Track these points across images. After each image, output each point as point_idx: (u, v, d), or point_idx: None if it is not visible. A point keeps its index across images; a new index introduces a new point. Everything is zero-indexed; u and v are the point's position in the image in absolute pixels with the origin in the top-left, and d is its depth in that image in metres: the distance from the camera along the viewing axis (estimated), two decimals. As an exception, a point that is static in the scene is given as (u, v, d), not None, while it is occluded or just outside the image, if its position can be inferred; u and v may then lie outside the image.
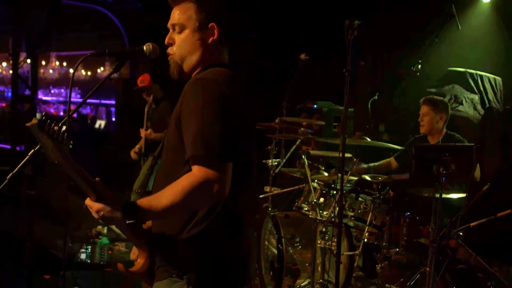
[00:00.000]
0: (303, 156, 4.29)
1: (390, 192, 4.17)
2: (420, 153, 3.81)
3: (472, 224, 4.11)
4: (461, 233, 4.07)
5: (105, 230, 6.67)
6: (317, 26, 7.35)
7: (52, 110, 15.58)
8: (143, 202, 1.86)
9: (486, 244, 4.32)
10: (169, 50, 2.15)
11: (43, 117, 1.72)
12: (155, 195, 1.89)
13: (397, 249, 4.16)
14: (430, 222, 3.94)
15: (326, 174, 4.70)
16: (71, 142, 1.79)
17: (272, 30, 7.67)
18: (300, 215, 4.47)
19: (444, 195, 3.76)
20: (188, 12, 2.10)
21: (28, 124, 1.68)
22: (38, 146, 2.38)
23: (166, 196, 1.84)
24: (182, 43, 2.12)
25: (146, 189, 6.30)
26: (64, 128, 1.76)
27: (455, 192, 3.99)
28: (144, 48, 2.20)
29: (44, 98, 15.98)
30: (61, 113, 15.19)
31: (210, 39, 2.10)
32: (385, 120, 7.22)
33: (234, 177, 1.89)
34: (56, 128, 1.74)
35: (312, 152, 4.59)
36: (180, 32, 2.12)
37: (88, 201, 1.91)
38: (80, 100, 1.79)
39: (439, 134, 4.61)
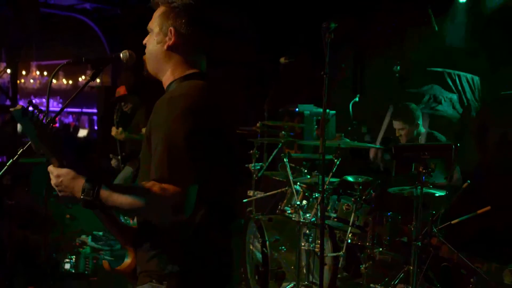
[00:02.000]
0: (284, 159, 4.32)
1: (372, 192, 4.21)
2: (399, 153, 3.86)
3: (453, 221, 4.16)
4: (442, 231, 4.13)
5: (89, 240, 6.63)
6: (298, 28, 7.39)
7: (33, 120, 15.43)
8: (105, 189, 1.83)
9: (468, 241, 4.37)
10: (145, 50, 2.20)
11: (28, 104, 1.75)
12: (121, 187, 1.90)
13: (381, 249, 4.20)
14: (412, 221, 3.99)
15: (308, 176, 4.73)
16: (52, 125, 1.82)
17: (271, 29, 7.68)
18: (284, 218, 4.49)
19: (425, 193, 3.82)
20: (157, 15, 2.14)
21: (12, 109, 1.71)
22: (17, 156, 2.39)
23: (130, 194, 1.84)
24: (148, 45, 2.17)
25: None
26: (49, 119, 1.79)
27: (435, 190, 4.04)
28: (121, 55, 2.21)
29: (25, 108, 15.82)
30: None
31: (166, 44, 2.11)
32: (367, 121, 7.27)
33: (208, 193, 1.91)
34: (41, 116, 1.76)
35: (293, 154, 4.61)
36: (149, 35, 2.16)
37: (51, 167, 1.88)
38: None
39: (417, 138, 4.67)
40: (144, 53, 2.21)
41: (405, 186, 4.09)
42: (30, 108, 1.74)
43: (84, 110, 13.68)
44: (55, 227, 6.68)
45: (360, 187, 4.17)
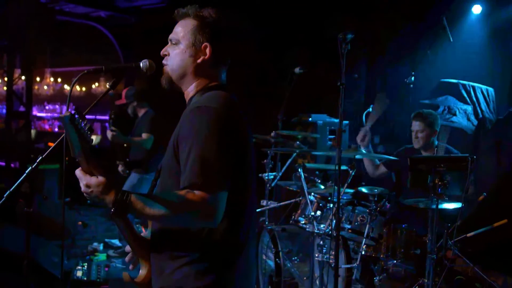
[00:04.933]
0: (299, 169, 4.30)
1: (387, 204, 4.18)
2: (415, 165, 3.83)
3: (468, 234, 4.13)
4: (458, 244, 4.09)
5: (100, 247, 6.65)
6: (312, 39, 7.40)
7: (46, 126, 15.51)
8: (137, 199, 1.84)
9: (484, 254, 4.32)
10: (164, 61, 2.21)
11: (75, 111, 1.78)
12: (151, 197, 1.89)
13: (395, 261, 4.16)
14: (427, 233, 3.96)
15: (322, 187, 4.71)
16: (91, 141, 1.84)
17: (273, 28, 7.70)
18: (297, 228, 4.47)
19: (440, 206, 3.80)
20: (187, 28, 2.16)
21: (61, 115, 1.75)
22: (36, 163, 2.41)
23: (163, 204, 1.85)
24: (174, 57, 2.17)
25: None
26: (89, 126, 1.81)
27: (451, 203, 4.01)
28: (141, 64, 2.23)
29: (39, 114, 15.91)
30: (56, 129, 15.11)
31: (201, 58, 2.14)
32: (380, 132, 7.25)
33: (233, 201, 1.95)
34: (84, 124, 1.79)
35: (308, 165, 4.59)
36: (175, 46, 2.17)
37: (80, 173, 1.88)
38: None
39: (432, 147, 4.63)
40: (161, 63, 2.23)
41: (421, 198, 4.06)
42: (76, 116, 1.78)
43: (97, 117, 13.72)
44: (68, 234, 6.71)
45: (375, 198, 4.14)
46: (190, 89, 2.19)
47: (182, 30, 2.16)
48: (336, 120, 7.47)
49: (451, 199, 4.00)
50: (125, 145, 6.58)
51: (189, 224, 1.98)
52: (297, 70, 5.11)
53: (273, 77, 6.61)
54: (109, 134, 5.90)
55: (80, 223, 7.58)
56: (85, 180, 1.86)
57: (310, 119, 7.31)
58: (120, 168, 6.26)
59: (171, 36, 2.19)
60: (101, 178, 1.85)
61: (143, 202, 1.85)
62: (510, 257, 4.40)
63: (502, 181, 5.11)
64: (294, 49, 7.34)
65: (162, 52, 2.21)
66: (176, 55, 2.16)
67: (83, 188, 1.87)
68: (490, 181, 5.03)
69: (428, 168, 3.78)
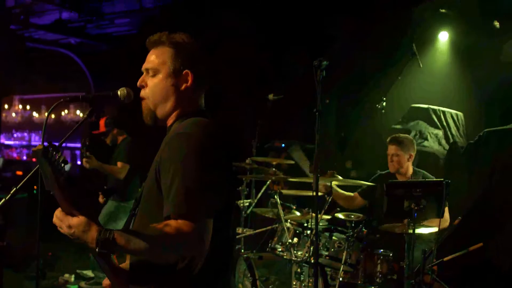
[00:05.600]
0: (275, 196, 4.28)
1: (364, 229, 4.18)
2: (391, 190, 3.85)
3: (445, 258, 4.16)
4: (435, 268, 4.11)
5: (72, 278, 6.47)
6: (285, 65, 7.47)
7: (14, 155, 15.22)
8: (120, 235, 1.79)
9: (460, 278, 4.35)
10: (142, 93, 2.13)
11: (48, 145, 1.72)
12: (134, 232, 1.84)
13: (373, 287, 4.15)
14: (404, 258, 3.97)
15: (298, 213, 4.69)
16: (66, 173, 1.79)
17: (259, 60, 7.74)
18: (274, 256, 4.42)
19: (416, 231, 3.82)
20: (164, 56, 2.09)
21: (34, 149, 1.71)
22: (9, 195, 2.33)
23: (147, 237, 1.80)
24: (154, 88, 2.10)
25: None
26: (62, 159, 1.76)
27: (427, 227, 4.04)
28: (119, 93, 2.15)
29: (7, 142, 15.62)
30: (24, 157, 14.84)
31: (184, 86, 2.09)
32: (352, 157, 7.30)
33: (216, 227, 1.88)
34: (57, 157, 1.73)
35: (284, 191, 4.58)
36: (153, 76, 2.10)
37: (60, 214, 1.82)
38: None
39: (407, 172, 4.67)
40: (137, 92, 2.17)
41: (397, 223, 4.08)
42: (50, 149, 1.73)
43: (67, 145, 13.54)
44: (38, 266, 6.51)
45: (352, 224, 4.14)
46: (171, 117, 2.13)
47: (158, 59, 2.10)
48: (310, 146, 7.57)
49: (427, 224, 4.03)
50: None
51: (176, 255, 1.90)
52: (271, 96, 5.13)
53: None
54: (84, 161, 5.80)
55: (50, 254, 7.38)
56: (67, 221, 1.80)
57: (283, 145, 7.33)
58: (101, 198, 6.15)
59: (146, 65, 2.12)
60: (81, 218, 1.80)
61: (127, 238, 1.79)
62: (485, 280, 4.44)
63: (475, 204, 5.18)
64: (266, 75, 7.40)
65: (139, 83, 2.14)
66: (156, 85, 2.10)
67: (65, 229, 1.81)
68: (463, 204, 5.09)
69: (404, 193, 3.82)
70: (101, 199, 6.12)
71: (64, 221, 1.80)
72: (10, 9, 8.84)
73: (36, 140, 15.71)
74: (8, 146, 15.59)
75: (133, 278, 2.06)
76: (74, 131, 2.22)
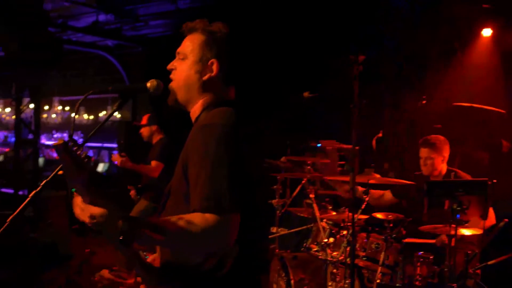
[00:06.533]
0: (311, 196, 4.18)
1: (403, 230, 4.04)
2: (432, 189, 3.70)
3: (490, 262, 3.97)
4: (478, 272, 3.93)
5: (108, 275, 6.50)
6: (321, 63, 7.35)
7: (55, 155, 15.53)
8: (145, 226, 1.74)
9: (505, 282, 4.16)
10: (171, 75, 2.12)
11: (68, 139, 1.70)
12: (159, 222, 1.78)
13: (412, 290, 4.00)
14: (445, 261, 3.81)
15: (334, 213, 4.58)
16: (89, 160, 1.73)
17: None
18: (310, 256, 4.32)
19: (458, 232, 3.66)
20: (195, 42, 2.07)
21: (54, 144, 1.67)
22: (39, 187, 2.31)
23: (172, 228, 1.75)
24: (180, 72, 2.09)
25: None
26: (85, 154, 1.71)
27: (470, 229, 3.86)
28: (148, 84, 2.13)
29: (47, 142, 15.97)
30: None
31: (208, 75, 2.06)
32: (390, 158, 7.12)
33: (244, 222, 1.83)
34: (79, 152, 1.69)
35: (320, 191, 4.47)
36: (182, 60, 2.09)
37: (82, 203, 1.76)
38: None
39: (442, 173, 4.49)
40: (168, 83, 2.14)
41: (438, 224, 3.91)
42: (70, 143, 1.69)
43: (105, 145, 13.73)
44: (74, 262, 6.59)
45: (390, 224, 4.00)
46: (196, 107, 2.09)
47: (190, 45, 2.08)
48: (346, 146, 7.43)
49: (470, 225, 3.86)
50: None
51: (201, 248, 1.85)
52: (306, 94, 5.02)
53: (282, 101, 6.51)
54: (117, 159, 5.83)
55: (87, 250, 7.46)
56: (88, 211, 1.75)
57: (318, 144, 7.20)
58: (133, 194, 6.18)
59: (178, 49, 2.11)
60: (103, 209, 1.74)
61: (152, 228, 1.74)
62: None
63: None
64: (303, 71, 7.29)
65: (169, 66, 2.12)
66: (182, 70, 2.08)
67: (86, 219, 1.75)
68: (508, 205, 4.86)
69: (445, 193, 3.67)
70: (133, 195, 6.15)
71: (86, 210, 1.75)
72: (48, 13, 8.98)
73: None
74: (49, 146, 15.92)
75: (163, 276, 2.02)
76: (103, 124, 2.18)
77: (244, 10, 7.93)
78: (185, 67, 2.07)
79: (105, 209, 1.73)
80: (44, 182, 2.35)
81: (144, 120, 6.28)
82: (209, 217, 1.75)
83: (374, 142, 7.18)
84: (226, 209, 1.76)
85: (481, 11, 6.59)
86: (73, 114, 15.45)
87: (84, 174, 1.73)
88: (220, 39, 2.07)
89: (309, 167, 4.59)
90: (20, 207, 2.21)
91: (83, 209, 1.75)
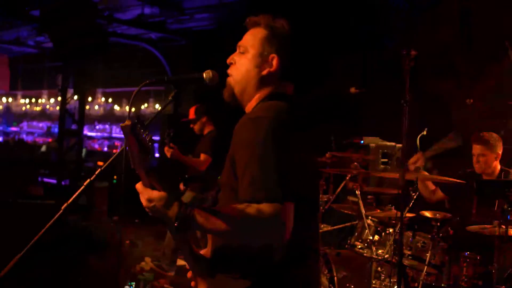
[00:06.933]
0: (357, 192, 4.14)
1: (450, 229, 3.96)
2: (482, 188, 3.61)
3: (539, 265, 3.86)
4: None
5: (148, 267, 6.59)
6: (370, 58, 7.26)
7: (96, 146, 15.84)
8: (199, 213, 1.76)
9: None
10: (229, 70, 2.12)
11: (136, 120, 1.71)
12: (214, 211, 1.79)
13: (457, 291, 3.93)
14: (493, 262, 3.72)
15: (379, 210, 4.52)
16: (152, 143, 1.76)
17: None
18: (353, 253, 4.28)
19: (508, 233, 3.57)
20: (257, 37, 2.08)
21: (122, 124, 1.68)
22: (94, 176, 2.34)
23: (226, 218, 1.75)
24: (239, 66, 2.09)
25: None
26: (150, 137, 1.74)
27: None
28: (204, 75, 2.13)
29: (89, 133, 16.28)
30: (105, 149, 15.40)
31: (267, 70, 2.06)
32: (435, 156, 6.98)
33: (297, 213, 1.82)
34: (145, 135, 1.72)
35: (366, 188, 4.43)
36: (242, 54, 2.09)
37: (140, 187, 1.79)
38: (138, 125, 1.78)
39: (495, 172, 4.37)
40: (225, 77, 2.14)
41: (486, 225, 3.82)
42: (138, 125, 1.71)
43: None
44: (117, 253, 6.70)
45: (438, 223, 3.92)
46: (251, 102, 2.09)
47: (251, 39, 2.08)
48: (389, 143, 7.32)
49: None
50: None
51: (255, 239, 1.84)
52: (353, 89, 4.97)
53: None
54: (168, 151, 5.87)
55: (127, 242, 7.58)
56: (147, 194, 1.77)
57: (362, 141, 7.12)
58: (181, 185, 6.24)
59: (240, 43, 2.11)
60: (162, 192, 1.76)
61: (206, 216, 1.75)
62: None
63: None
64: (347, 67, 7.21)
65: (229, 60, 2.12)
66: (242, 64, 2.08)
67: (144, 202, 1.78)
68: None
69: (496, 192, 3.58)
70: (181, 187, 6.19)
71: (144, 193, 1.78)
72: (96, 4, 9.15)
73: (117, 132, 16.28)
74: (91, 138, 16.25)
75: (214, 265, 2.02)
76: (161, 111, 2.21)
77: (288, 4, 7.88)
78: (245, 60, 2.07)
79: (162, 193, 1.75)
80: (98, 170, 2.39)
81: (192, 113, 6.28)
82: (264, 206, 1.74)
83: (418, 140, 7.05)
84: (278, 199, 1.75)
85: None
86: (116, 107, 15.70)
87: (147, 157, 1.76)
88: (282, 35, 2.08)
89: (356, 163, 4.54)
90: (75, 195, 2.26)
91: (141, 192, 1.78)
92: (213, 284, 2.01)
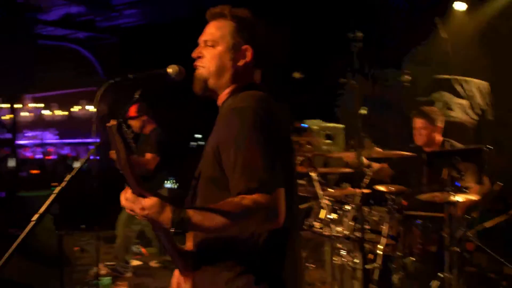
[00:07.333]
0: (312, 174, 4.25)
1: (403, 201, 4.15)
2: (431, 159, 3.81)
3: (486, 224, 4.13)
4: (476, 235, 4.08)
5: (104, 271, 6.48)
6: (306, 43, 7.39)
7: (28, 154, 15.26)
8: (195, 213, 1.77)
9: (502, 243, 4.32)
10: (198, 63, 2.10)
11: (121, 121, 1.72)
12: (209, 208, 1.80)
13: (412, 258, 4.13)
14: (444, 227, 3.94)
15: (331, 190, 4.66)
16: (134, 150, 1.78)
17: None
18: (312, 234, 4.39)
19: (456, 199, 3.78)
20: (225, 29, 2.07)
21: (108, 124, 1.68)
22: (64, 183, 2.26)
23: (222, 213, 1.76)
24: (212, 59, 2.07)
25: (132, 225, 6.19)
26: (133, 136, 1.74)
27: (467, 195, 3.99)
28: (170, 70, 2.09)
29: (20, 142, 15.66)
30: (38, 156, 14.87)
31: (242, 61, 2.07)
32: (374, 134, 7.24)
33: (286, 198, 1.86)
34: (128, 134, 1.72)
35: (320, 169, 4.55)
36: (212, 47, 2.08)
37: (130, 195, 1.78)
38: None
39: (436, 143, 4.60)
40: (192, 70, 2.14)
41: (436, 193, 4.04)
42: (123, 124, 1.71)
43: (80, 140, 13.55)
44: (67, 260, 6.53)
45: (393, 196, 4.10)
46: (224, 93, 2.11)
47: (219, 31, 2.08)
48: (331, 124, 7.51)
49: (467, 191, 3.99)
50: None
51: (253, 229, 1.89)
52: (297, 74, 5.07)
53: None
54: (113, 154, 5.75)
55: (77, 249, 7.40)
56: (140, 203, 1.77)
57: (304, 125, 7.27)
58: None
59: (205, 37, 2.10)
60: (154, 199, 1.77)
61: (202, 215, 1.77)
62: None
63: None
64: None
65: (195, 53, 2.10)
66: (213, 57, 2.07)
67: (138, 211, 1.78)
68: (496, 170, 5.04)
69: (444, 162, 3.78)
70: None
71: (137, 203, 1.77)
72: (20, 6, 8.80)
73: (48, 138, 15.73)
74: (21, 146, 15.62)
75: (199, 258, 2.04)
76: (125, 110, 2.19)
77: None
78: (217, 53, 2.06)
79: (154, 199, 1.76)
80: (69, 177, 2.32)
81: (132, 111, 6.18)
82: (259, 196, 1.77)
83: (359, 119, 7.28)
84: (270, 186, 1.79)
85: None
86: (45, 112, 15.14)
87: (130, 155, 1.76)
88: (250, 24, 2.09)
89: (310, 146, 4.65)
90: (45, 205, 2.19)
91: (134, 202, 1.78)
92: (199, 277, 2.02)
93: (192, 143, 10.02)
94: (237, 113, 1.91)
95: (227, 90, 2.10)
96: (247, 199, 1.77)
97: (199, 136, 11.18)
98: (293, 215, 2.07)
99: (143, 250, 7.45)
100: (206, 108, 2.51)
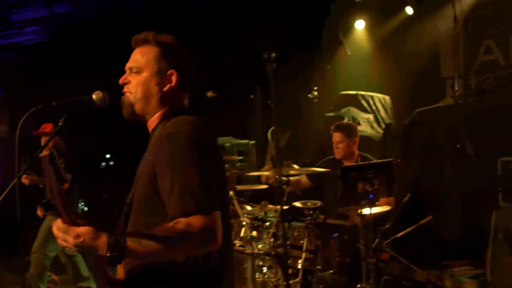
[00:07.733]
0: (231, 193, 4.26)
1: (320, 216, 4.26)
2: (346, 173, 3.96)
3: (398, 235, 4.34)
4: (389, 245, 4.27)
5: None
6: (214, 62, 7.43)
7: None
8: (130, 239, 1.75)
9: (413, 251, 4.56)
10: (125, 89, 2.10)
11: (54, 151, 1.69)
12: (144, 234, 1.78)
13: (331, 271, 4.24)
14: (360, 239, 4.09)
15: (249, 208, 4.69)
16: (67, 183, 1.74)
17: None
18: (235, 253, 4.39)
19: (370, 211, 3.93)
20: (149, 55, 2.08)
21: (41, 155, 1.67)
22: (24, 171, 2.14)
23: (159, 239, 1.75)
24: (137, 86, 2.08)
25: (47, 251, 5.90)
26: (64, 165, 1.68)
27: (380, 207, 4.17)
28: (94, 96, 2.13)
29: None
30: None
31: (168, 86, 2.08)
32: (288, 149, 7.40)
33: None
34: (60, 163, 1.66)
35: (238, 187, 4.57)
36: (137, 73, 2.08)
37: (62, 225, 1.75)
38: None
39: (353, 157, 4.80)
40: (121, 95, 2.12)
41: (351, 206, 4.19)
42: (56, 154, 1.67)
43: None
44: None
45: (310, 211, 4.20)
46: (154, 118, 2.11)
47: (144, 58, 2.08)
48: (243, 141, 7.58)
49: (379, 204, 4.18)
50: (41, 186, 6.12)
51: (191, 252, 1.89)
52: (210, 93, 5.07)
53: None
54: (25, 179, 5.48)
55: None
56: (74, 231, 1.73)
57: (217, 142, 7.30)
58: (39, 211, 5.85)
59: (130, 64, 2.10)
60: (88, 226, 1.74)
61: (138, 241, 1.74)
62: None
63: (414, 180, 5.44)
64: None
65: (122, 80, 2.10)
66: (139, 84, 2.07)
67: (72, 240, 1.74)
68: (403, 183, 5.32)
69: (358, 176, 3.94)
70: (40, 213, 5.83)
71: (71, 231, 1.73)
72: None
73: None
74: None
75: (130, 286, 1.99)
76: (52, 138, 2.12)
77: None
78: (142, 80, 2.07)
79: (88, 227, 1.71)
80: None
81: (48, 128, 5.91)
82: (194, 219, 1.77)
83: (269, 134, 7.41)
84: (208, 209, 1.80)
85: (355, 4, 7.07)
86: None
87: (63, 186, 1.71)
88: (174, 49, 2.11)
89: (227, 164, 4.65)
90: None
91: (67, 231, 1.73)
92: None
93: (102, 163, 9.75)
94: (171, 138, 1.92)
95: (156, 115, 2.11)
96: (181, 223, 1.77)
97: (108, 156, 10.87)
98: (228, 236, 2.09)
99: (54, 277, 7.10)
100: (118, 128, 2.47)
